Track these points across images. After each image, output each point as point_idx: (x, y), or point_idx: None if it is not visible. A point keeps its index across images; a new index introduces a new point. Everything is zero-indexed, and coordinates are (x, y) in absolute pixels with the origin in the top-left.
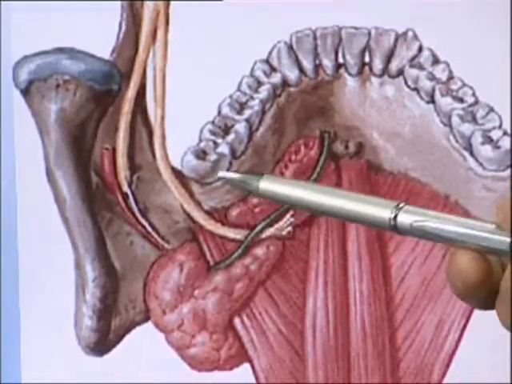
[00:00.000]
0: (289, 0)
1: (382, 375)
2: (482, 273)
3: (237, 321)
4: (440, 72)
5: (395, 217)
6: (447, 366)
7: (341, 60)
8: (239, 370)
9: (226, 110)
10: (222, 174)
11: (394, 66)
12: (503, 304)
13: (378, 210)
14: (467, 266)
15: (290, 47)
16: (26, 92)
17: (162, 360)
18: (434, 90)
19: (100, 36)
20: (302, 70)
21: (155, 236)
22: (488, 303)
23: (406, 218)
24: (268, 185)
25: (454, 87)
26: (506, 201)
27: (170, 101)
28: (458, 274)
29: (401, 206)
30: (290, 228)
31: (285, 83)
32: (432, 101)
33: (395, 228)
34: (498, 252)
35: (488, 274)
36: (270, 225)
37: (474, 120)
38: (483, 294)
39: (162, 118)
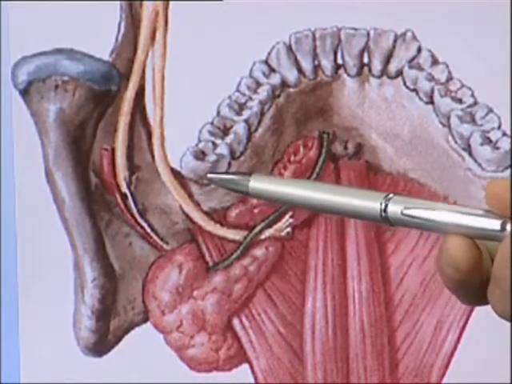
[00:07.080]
0: (288, 0)
1: (380, 376)
2: (473, 258)
3: (236, 321)
4: (439, 73)
5: (385, 207)
6: (446, 366)
7: (340, 61)
8: (238, 371)
9: (224, 111)
10: (210, 175)
11: (392, 66)
12: (496, 290)
13: (368, 202)
14: (459, 251)
15: (289, 48)
16: (24, 93)
17: (161, 361)
18: (433, 90)
19: (99, 37)
20: (301, 70)
21: (154, 237)
22: (478, 295)
23: (396, 208)
24: (258, 184)
25: (453, 88)
26: (494, 183)
27: (169, 101)
28: (449, 260)
29: (390, 196)
30: (289, 229)
31: (284, 84)
32: (431, 101)
33: (386, 219)
34: (488, 234)
35: (479, 260)
36: (269, 226)
37: (473, 121)
38: (474, 283)
39: (161, 118)
